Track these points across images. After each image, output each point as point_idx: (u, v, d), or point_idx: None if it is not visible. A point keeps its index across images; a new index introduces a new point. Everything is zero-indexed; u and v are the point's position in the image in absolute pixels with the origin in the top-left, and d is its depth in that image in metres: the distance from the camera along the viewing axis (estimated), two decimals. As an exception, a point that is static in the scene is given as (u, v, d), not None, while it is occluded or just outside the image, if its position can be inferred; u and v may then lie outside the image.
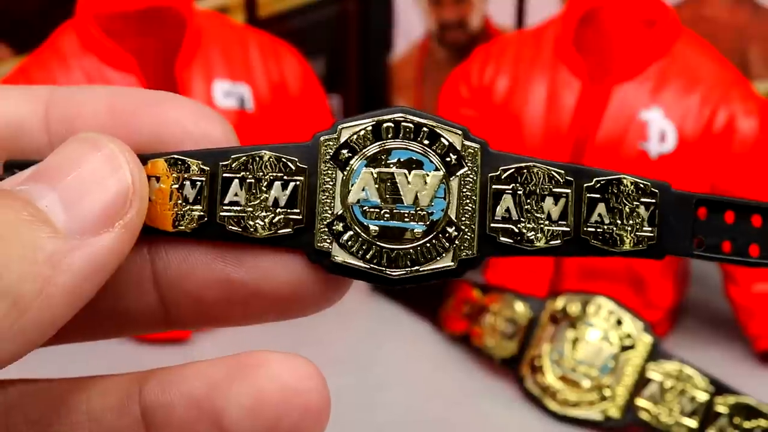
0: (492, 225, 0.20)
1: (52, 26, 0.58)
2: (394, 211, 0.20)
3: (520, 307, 0.53)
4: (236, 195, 0.20)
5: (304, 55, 0.64)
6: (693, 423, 0.46)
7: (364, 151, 0.20)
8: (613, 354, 0.49)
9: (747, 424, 0.45)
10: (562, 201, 0.20)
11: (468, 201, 0.20)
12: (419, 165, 0.20)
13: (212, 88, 0.57)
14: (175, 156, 0.20)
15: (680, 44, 0.56)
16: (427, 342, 0.58)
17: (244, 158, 0.20)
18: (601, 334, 0.50)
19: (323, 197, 0.20)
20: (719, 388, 0.47)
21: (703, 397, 0.47)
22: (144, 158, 0.20)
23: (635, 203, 0.21)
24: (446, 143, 0.20)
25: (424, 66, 0.79)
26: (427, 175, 0.20)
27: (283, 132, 0.60)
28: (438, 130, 0.20)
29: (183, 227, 0.20)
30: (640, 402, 0.48)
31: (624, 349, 0.49)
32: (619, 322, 0.50)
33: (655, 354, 0.49)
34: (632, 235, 0.21)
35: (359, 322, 0.62)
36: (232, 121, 0.56)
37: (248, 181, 0.20)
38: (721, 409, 0.46)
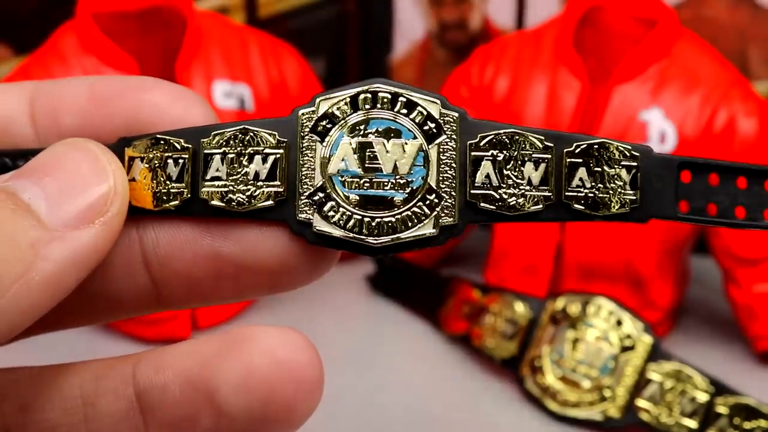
0: (472, 191, 0.20)
1: (52, 26, 0.58)
2: (374, 180, 0.20)
3: (520, 308, 0.53)
4: (218, 170, 0.20)
5: (304, 55, 0.64)
6: (693, 423, 0.46)
7: (342, 122, 0.20)
8: (613, 354, 0.49)
9: (747, 425, 0.45)
10: (543, 166, 0.20)
11: (448, 168, 0.20)
12: (397, 134, 0.20)
13: (212, 88, 0.57)
14: (158, 135, 0.20)
15: (680, 45, 0.56)
16: (427, 342, 0.58)
17: (225, 134, 0.20)
18: (601, 334, 0.50)
19: (303, 169, 0.20)
20: (719, 389, 0.47)
21: (703, 397, 0.47)
22: (128, 140, 0.21)
23: (616, 166, 0.20)
24: (424, 112, 0.20)
25: (424, 66, 0.79)
26: (406, 144, 0.20)
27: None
28: (415, 99, 0.20)
29: (167, 205, 0.20)
30: (641, 402, 0.48)
31: (624, 349, 0.49)
32: (619, 323, 0.50)
33: (655, 354, 0.49)
34: (615, 198, 0.20)
35: (359, 322, 0.62)
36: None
37: (229, 156, 0.20)
38: (722, 409, 0.46)
